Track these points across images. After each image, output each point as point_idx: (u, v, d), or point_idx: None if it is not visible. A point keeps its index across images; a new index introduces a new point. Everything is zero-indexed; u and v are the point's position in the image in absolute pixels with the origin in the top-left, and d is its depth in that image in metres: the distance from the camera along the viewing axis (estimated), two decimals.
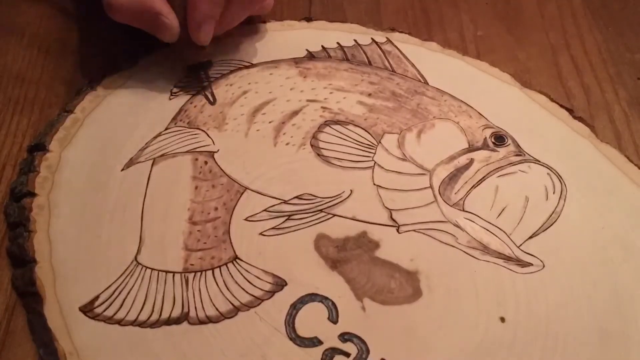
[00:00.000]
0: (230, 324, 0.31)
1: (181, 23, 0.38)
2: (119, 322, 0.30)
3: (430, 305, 0.32)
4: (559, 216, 0.36)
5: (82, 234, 0.33)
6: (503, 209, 0.36)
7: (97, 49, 0.44)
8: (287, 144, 0.38)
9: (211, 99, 0.40)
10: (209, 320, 0.31)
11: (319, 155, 0.38)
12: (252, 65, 0.43)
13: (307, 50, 0.44)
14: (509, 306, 0.32)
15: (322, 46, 0.45)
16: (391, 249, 0.34)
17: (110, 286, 0.32)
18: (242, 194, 0.36)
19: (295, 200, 0.36)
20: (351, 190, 0.36)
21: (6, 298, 0.32)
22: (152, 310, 0.31)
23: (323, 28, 0.46)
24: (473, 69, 0.44)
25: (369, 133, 0.39)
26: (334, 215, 0.35)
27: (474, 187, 0.37)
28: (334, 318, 0.31)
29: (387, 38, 0.46)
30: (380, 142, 0.39)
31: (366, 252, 0.34)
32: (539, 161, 0.39)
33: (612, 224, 0.36)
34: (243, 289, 0.32)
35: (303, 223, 0.35)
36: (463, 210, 0.36)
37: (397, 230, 0.35)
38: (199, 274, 0.32)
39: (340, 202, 0.36)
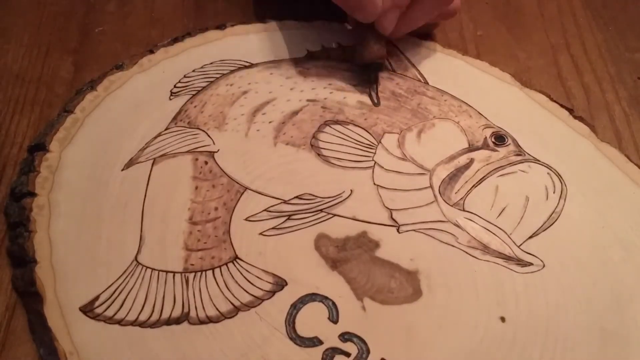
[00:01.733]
0: (230, 323, 0.31)
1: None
2: (119, 322, 0.30)
3: (431, 305, 0.32)
4: (559, 216, 0.36)
5: (82, 234, 0.33)
6: (503, 209, 0.36)
7: (97, 49, 0.44)
8: (287, 143, 0.38)
9: (375, 100, 0.41)
10: (209, 320, 0.31)
11: (319, 155, 0.38)
12: (252, 65, 0.43)
13: (307, 50, 0.44)
14: (509, 306, 0.33)
15: (323, 46, 0.45)
16: (391, 248, 0.34)
17: (110, 286, 0.32)
18: (242, 194, 0.36)
19: (296, 200, 0.36)
20: (351, 190, 0.36)
21: (6, 298, 0.32)
22: (153, 310, 0.31)
23: (323, 28, 0.46)
24: (473, 68, 0.44)
25: (369, 133, 0.39)
26: (334, 215, 0.35)
27: (474, 186, 0.37)
28: (334, 318, 0.31)
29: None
30: (380, 142, 0.39)
31: (366, 251, 0.34)
32: (539, 161, 0.39)
33: (612, 223, 0.36)
34: (243, 288, 0.32)
35: (303, 223, 0.35)
36: (463, 210, 0.36)
37: (397, 230, 0.35)
38: (199, 273, 0.32)
39: (341, 202, 0.36)
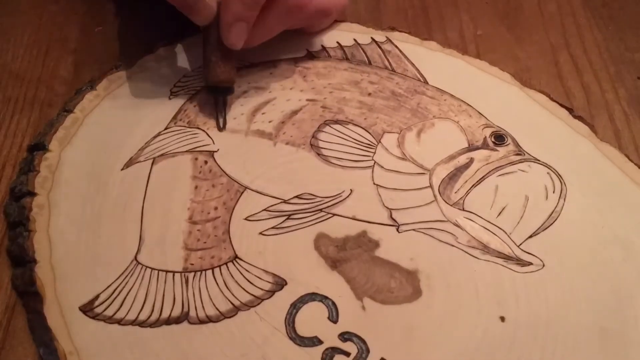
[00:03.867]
0: (230, 323, 0.31)
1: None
2: (119, 322, 0.30)
3: (430, 305, 0.32)
4: (558, 215, 0.36)
5: (82, 234, 0.33)
6: (503, 208, 0.36)
7: (97, 48, 0.44)
8: (287, 143, 0.38)
9: (221, 124, 0.39)
10: (209, 319, 0.31)
11: (318, 154, 0.38)
12: (252, 65, 0.43)
13: (307, 49, 0.44)
14: (509, 305, 0.32)
15: (322, 45, 0.45)
16: (391, 248, 0.34)
17: (110, 286, 0.32)
18: (242, 193, 0.36)
19: (295, 200, 0.36)
20: (351, 190, 0.36)
21: (6, 298, 0.32)
22: (152, 310, 0.31)
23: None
24: (473, 68, 0.44)
25: (368, 132, 0.39)
26: (334, 214, 0.35)
27: (473, 186, 0.37)
28: (334, 317, 0.31)
29: (386, 37, 0.46)
30: (380, 142, 0.39)
31: (366, 251, 0.34)
32: (539, 160, 0.39)
33: (612, 223, 0.36)
34: (243, 288, 0.32)
35: (303, 222, 0.35)
36: (463, 210, 0.36)
37: (397, 230, 0.35)
38: (199, 273, 0.32)
39: (340, 201, 0.36)
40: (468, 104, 0.42)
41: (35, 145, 0.37)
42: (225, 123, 0.39)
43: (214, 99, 0.40)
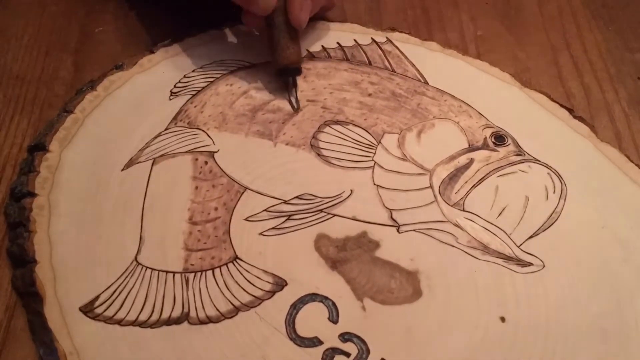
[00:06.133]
0: (230, 323, 0.31)
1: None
2: (119, 322, 0.30)
3: (431, 305, 0.32)
4: (559, 216, 0.36)
5: (82, 234, 0.33)
6: (503, 209, 0.36)
7: (97, 49, 0.44)
8: (287, 144, 0.38)
9: (295, 105, 0.40)
10: (209, 320, 0.31)
11: (319, 155, 0.38)
12: (252, 65, 0.43)
13: (307, 50, 0.44)
14: (509, 306, 0.32)
15: (322, 46, 0.45)
16: (391, 248, 0.34)
17: (110, 286, 0.32)
18: (242, 194, 0.36)
19: (296, 200, 0.36)
20: (351, 190, 0.36)
21: (6, 298, 0.32)
22: (153, 310, 0.31)
23: (323, 28, 0.46)
24: (473, 68, 0.44)
25: (369, 133, 0.39)
26: (334, 215, 0.35)
27: (474, 186, 0.37)
28: (334, 318, 0.31)
29: (387, 38, 0.46)
30: (380, 142, 0.39)
31: (366, 252, 0.34)
32: (539, 161, 0.39)
33: (612, 223, 0.36)
34: (243, 289, 0.32)
35: (303, 223, 0.35)
36: (463, 210, 0.36)
37: (397, 230, 0.35)
38: (199, 274, 0.32)
39: (341, 202, 0.36)
40: (468, 105, 0.42)
41: (35, 145, 0.37)
42: (299, 103, 0.40)
43: (285, 81, 0.41)
